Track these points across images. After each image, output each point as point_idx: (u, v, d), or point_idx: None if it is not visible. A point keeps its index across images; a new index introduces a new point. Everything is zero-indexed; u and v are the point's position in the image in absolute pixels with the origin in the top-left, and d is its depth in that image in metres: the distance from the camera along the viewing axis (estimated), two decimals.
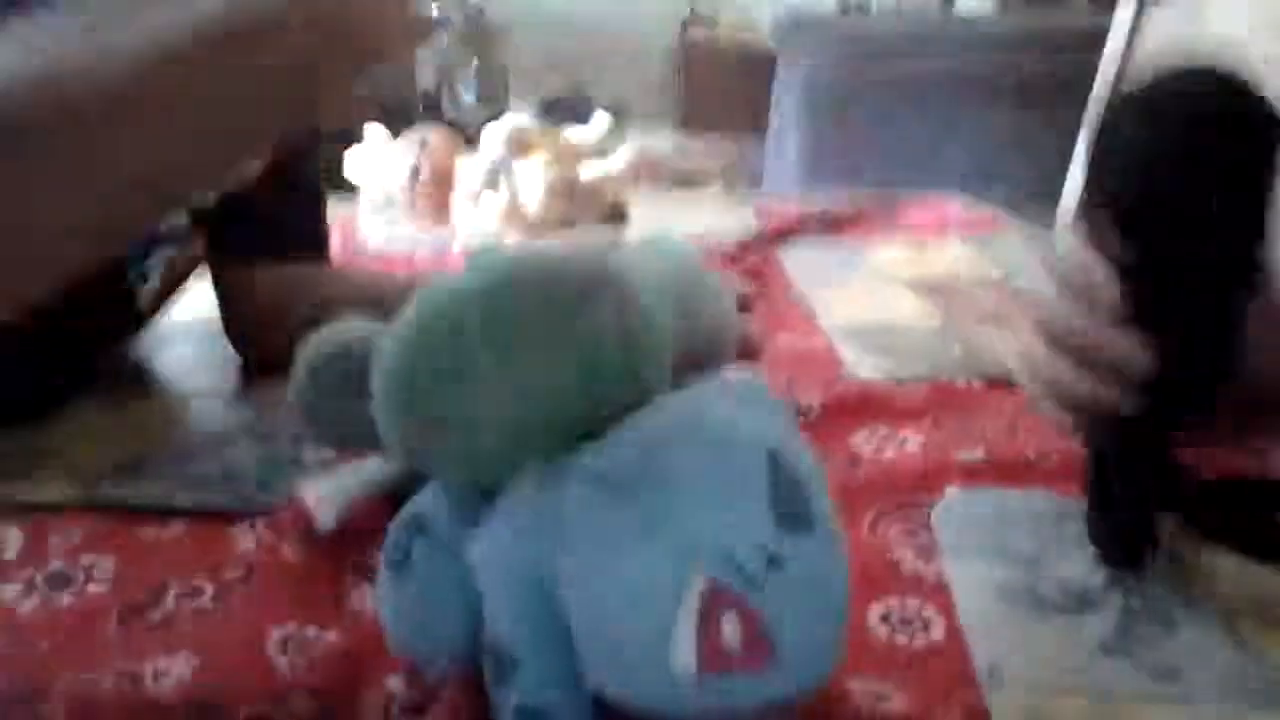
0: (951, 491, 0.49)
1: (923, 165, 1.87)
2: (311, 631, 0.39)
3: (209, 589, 0.42)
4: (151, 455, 0.53)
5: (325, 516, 0.44)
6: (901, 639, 0.39)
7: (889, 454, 0.54)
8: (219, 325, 0.70)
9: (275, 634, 0.38)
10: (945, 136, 1.91)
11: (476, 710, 0.34)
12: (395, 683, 0.36)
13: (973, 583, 0.42)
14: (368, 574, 0.42)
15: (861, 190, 1.31)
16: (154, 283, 0.64)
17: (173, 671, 0.36)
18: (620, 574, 0.27)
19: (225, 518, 0.47)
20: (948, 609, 0.40)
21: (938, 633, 0.39)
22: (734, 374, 0.43)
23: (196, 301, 0.71)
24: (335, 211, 0.78)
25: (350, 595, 0.42)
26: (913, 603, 0.41)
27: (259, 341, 0.68)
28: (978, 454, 0.53)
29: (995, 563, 0.43)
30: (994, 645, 0.38)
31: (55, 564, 0.43)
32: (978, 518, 0.47)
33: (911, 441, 0.55)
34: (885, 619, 0.40)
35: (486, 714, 0.33)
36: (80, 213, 0.31)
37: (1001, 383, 0.64)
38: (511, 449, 0.31)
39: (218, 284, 0.71)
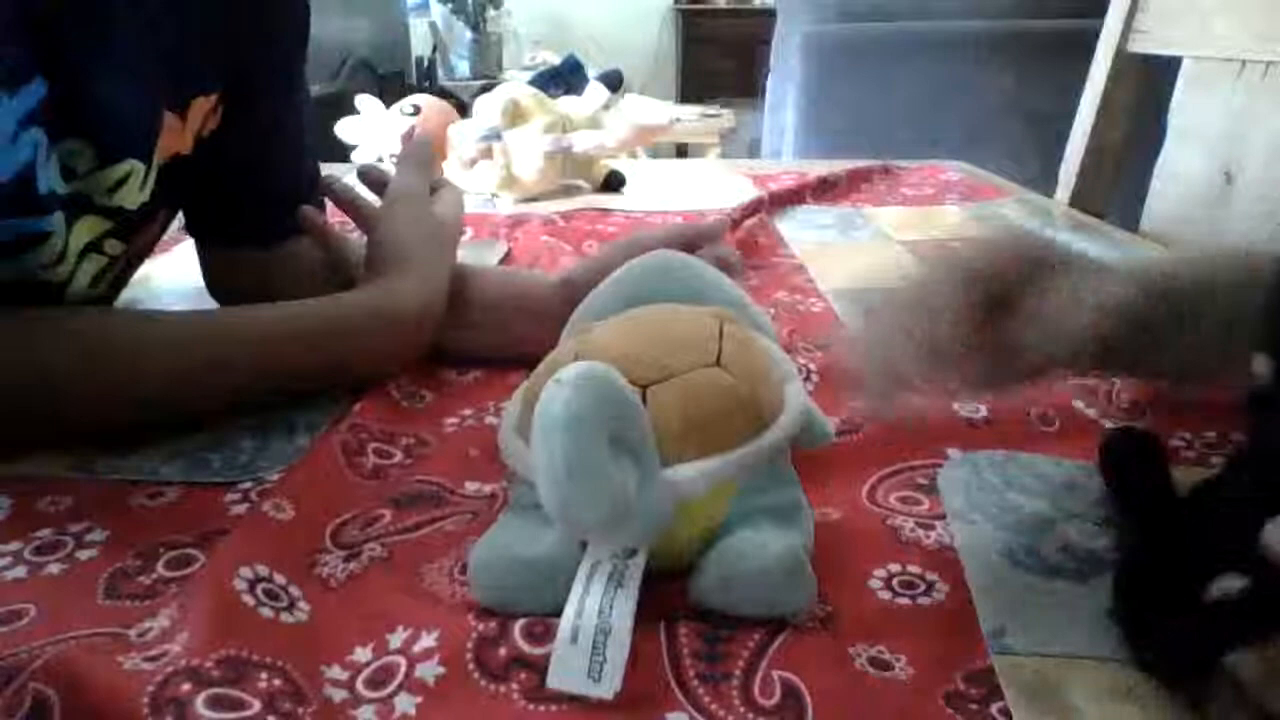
0: (955, 455, 0.49)
1: (923, 128, 1.86)
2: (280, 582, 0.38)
3: (199, 558, 0.41)
4: (141, 427, 0.52)
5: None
6: (904, 601, 0.38)
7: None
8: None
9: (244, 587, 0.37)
10: (946, 98, 1.89)
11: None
12: (361, 654, 0.35)
13: (977, 546, 0.41)
14: (346, 546, 0.42)
15: (860, 157, 1.30)
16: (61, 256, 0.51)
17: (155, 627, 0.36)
18: None
19: (218, 487, 0.46)
20: (952, 572, 0.40)
21: (941, 595, 0.38)
22: None
23: (184, 264, 0.70)
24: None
25: (322, 564, 0.40)
26: (915, 567, 0.40)
27: None
28: (980, 417, 0.52)
29: (1000, 526, 0.43)
30: (999, 608, 0.37)
31: (44, 531, 0.43)
32: (982, 481, 0.46)
33: (913, 404, 0.54)
34: (888, 583, 0.39)
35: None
36: None
37: None
38: None
39: (199, 252, 0.70)
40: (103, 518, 0.44)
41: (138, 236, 0.58)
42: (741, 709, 0.32)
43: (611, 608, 0.33)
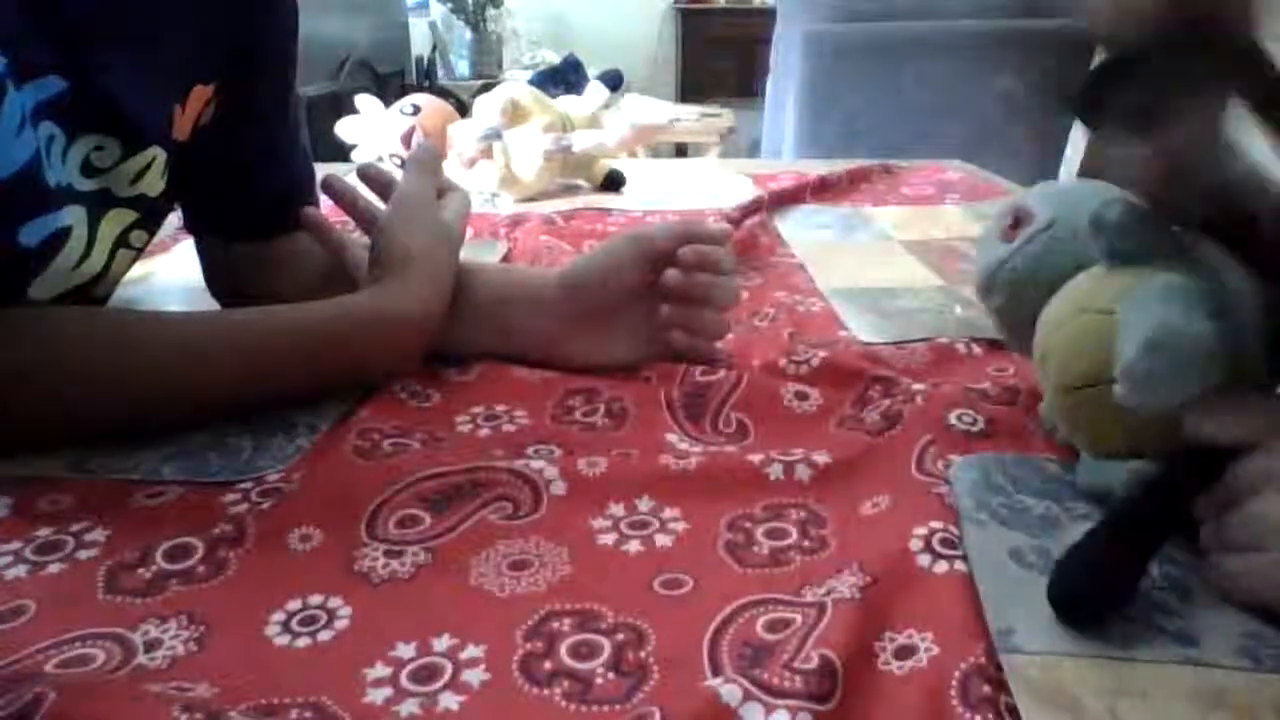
0: (960, 456, 0.48)
1: (923, 128, 1.86)
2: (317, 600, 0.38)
3: (199, 549, 0.41)
4: (136, 429, 0.52)
5: None
6: (941, 568, 0.39)
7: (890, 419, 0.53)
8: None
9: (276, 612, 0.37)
10: (946, 98, 1.89)
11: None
12: (405, 651, 0.35)
13: (986, 546, 0.41)
14: (381, 539, 0.42)
15: (860, 156, 1.30)
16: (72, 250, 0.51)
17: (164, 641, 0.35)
18: None
19: (218, 487, 0.46)
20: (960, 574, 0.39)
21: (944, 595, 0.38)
22: None
23: (184, 263, 0.70)
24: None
25: (360, 561, 0.41)
26: (955, 528, 0.41)
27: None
28: (983, 419, 0.52)
29: (1008, 527, 0.42)
30: (1007, 608, 0.37)
31: (44, 531, 0.42)
32: (990, 482, 0.46)
33: (914, 405, 0.54)
34: (927, 542, 0.39)
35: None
36: None
37: (1002, 345, 0.63)
38: None
39: (199, 249, 0.70)
40: (103, 517, 0.44)
41: (158, 227, 0.58)
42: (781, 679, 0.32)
43: None
